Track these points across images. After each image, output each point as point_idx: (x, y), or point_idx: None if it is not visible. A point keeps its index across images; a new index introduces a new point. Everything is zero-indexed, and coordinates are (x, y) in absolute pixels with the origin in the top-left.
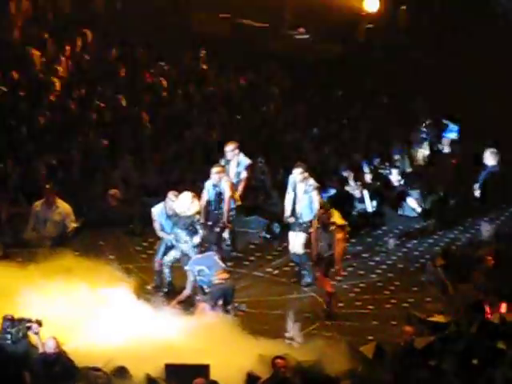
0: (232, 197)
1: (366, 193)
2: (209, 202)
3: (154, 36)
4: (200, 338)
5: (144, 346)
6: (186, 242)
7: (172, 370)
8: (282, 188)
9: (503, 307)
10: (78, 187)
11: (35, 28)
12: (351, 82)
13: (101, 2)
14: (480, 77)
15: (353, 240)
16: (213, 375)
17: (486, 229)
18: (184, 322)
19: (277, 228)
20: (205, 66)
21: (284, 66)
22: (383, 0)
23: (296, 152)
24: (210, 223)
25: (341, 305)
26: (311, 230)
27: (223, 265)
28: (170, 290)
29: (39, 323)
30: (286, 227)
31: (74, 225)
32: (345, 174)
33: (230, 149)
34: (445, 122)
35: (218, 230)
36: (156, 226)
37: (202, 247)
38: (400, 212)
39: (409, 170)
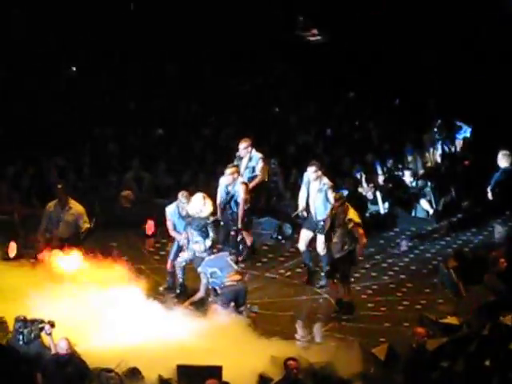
0: (246, 200)
1: (378, 194)
2: (220, 202)
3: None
4: (212, 339)
5: (156, 347)
6: (198, 243)
7: (184, 372)
8: (294, 189)
9: None
10: (90, 188)
11: None
12: (363, 82)
13: None
14: (494, 78)
15: None
16: (225, 376)
17: (498, 230)
18: (196, 324)
19: (289, 229)
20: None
21: (296, 67)
22: None
23: (308, 153)
24: (222, 223)
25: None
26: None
27: (236, 266)
28: (182, 291)
29: (52, 324)
30: (299, 228)
31: (87, 225)
32: (357, 175)
33: (244, 146)
34: (458, 123)
35: (232, 232)
36: (169, 225)
37: (213, 248)
38: (412, 214)
39: (421, 171)
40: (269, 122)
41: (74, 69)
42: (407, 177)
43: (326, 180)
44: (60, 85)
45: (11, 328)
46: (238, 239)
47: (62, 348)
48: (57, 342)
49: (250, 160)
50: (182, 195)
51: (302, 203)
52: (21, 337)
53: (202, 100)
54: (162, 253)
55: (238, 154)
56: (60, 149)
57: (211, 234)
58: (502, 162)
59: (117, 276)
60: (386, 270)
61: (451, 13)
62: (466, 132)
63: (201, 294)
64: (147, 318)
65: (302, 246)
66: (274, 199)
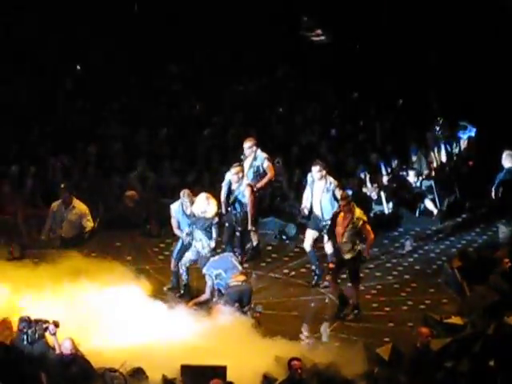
0: (254, 201)
1: (382, 194)
2: (224, 200)
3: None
4: (216, 340)
5: (161, 347)
6: (201, 241)
7: (188, 372)
8: (298, 189)
9: None
10: (94, 188)
11: None
12: (368, 83)
13: None
14: (498, 78)
15: None
16: (229, 376)
17: (502, 230)
18: (200, 324)
19: (293, 229)
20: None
21: (300, 67)
22: None
23: (313, 153)
24: (226, 224)
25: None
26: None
27: (240, 267)
28: (186, 291)
29: (56, 324)
30: (303, 228)
31: (91, 225)
32: (362, 175)
33: (248, 145)
34: (462, 123)
35: (237, 233)
36: (173, 222)
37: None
38: (417, 214)
39: (425, 171)
40: (273, 122)
41: (79, 68)
42: (411, 177)
43: (331, 179)
44: (65, 84)
45: (15, 328)
46: (244, 239)
47: (67, 348)
48: (61, 341)
49: (254, 159)
50: (183, 194)
51: (305, 203)
52: (25, 337)
53: (207, 100)
54: (167, 253)
55: (243, 153)
56: (64, 148)
57: (214, 235)
58: (507, 161)
59: (121, 276)
60: (390, 269)
61: (455, 12)
62: (471, 132)
63: (206, 295)
64: (151, 318)
65: (307, 246)
66: (277, 199)
